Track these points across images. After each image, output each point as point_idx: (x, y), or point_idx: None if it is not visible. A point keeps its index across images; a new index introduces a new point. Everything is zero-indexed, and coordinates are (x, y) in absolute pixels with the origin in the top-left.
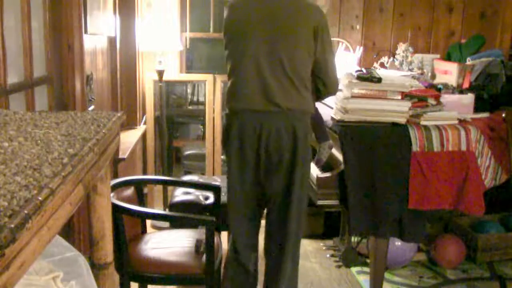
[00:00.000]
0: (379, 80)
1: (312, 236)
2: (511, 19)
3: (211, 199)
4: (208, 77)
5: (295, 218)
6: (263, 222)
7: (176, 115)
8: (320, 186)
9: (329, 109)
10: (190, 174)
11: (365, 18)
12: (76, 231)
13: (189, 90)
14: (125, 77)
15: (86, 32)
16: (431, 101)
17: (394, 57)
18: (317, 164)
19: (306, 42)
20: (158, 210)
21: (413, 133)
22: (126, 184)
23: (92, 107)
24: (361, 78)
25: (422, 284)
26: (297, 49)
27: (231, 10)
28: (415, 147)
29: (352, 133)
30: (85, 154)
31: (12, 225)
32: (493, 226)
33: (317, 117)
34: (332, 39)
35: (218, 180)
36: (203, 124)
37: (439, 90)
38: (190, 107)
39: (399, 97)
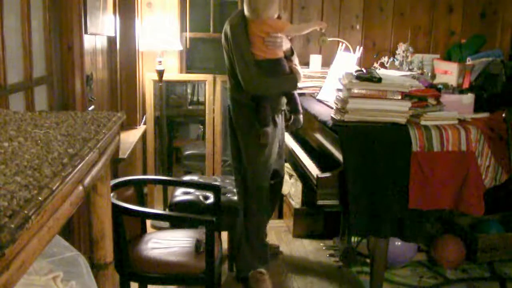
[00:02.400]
0: (379, 80)
1: (312, 236)
2: (511, 19)
3: (211, 199)
4: (208, 77)
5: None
6: None
7: (176, 115)
8: (320, 186)
9: (329, 109)
10: (190, 174)
11: (365, 18)
12: (76, 231)
13: (189, 90)
14: (125, 77)
15: (86, 32)
16: (431, 101)
17: (394, 57)
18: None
19: (225, 48)
20: (158, 210)
21: (413, 133)
22: (126, 184)
23: (92, 107)
24: (361, 78)
25: (422, 284)
26: (225, 54)
27: None
28: (415, 147)
29: (352, 133)
30: (85, 154)
31: (12, 225)
32: (493, 226)
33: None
34: (331, 39)
35: (218, 180)
36: (203, 124)
37: (439, 90)
38: (190, 107)
39: (399, 97)
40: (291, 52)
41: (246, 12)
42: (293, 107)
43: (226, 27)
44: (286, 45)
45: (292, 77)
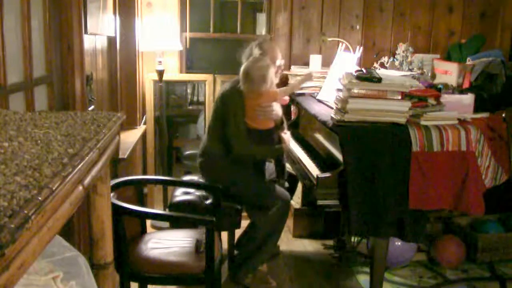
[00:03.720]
0: (379, 80)
1: (312, 236)
2: (511, 19)
3: (211, 199)
4: (208, 77)
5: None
6: None
7: (176, 115)
8: (320, 186)
9: (329, 109)
10: (190, 174)
11: (365, 18)
12: (76, 231)
13: (189, 90)
14: (125, 77)
15: (86, 32)
16: (431, 101)
17: (394, 57)
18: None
19: (217, 105)
20: (158, 210)
21: (413, 133)
22: (126, 184)
23: (92, 107)
24: (361, 78)
25: (422, 284)
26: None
27: None
28: (415, 147)
29: (352, 133)
30: (85, 154)
31: (12, 225)
32: (493, 226)
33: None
34: (331, 39)
35: None
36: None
37: (439, 90)
38: (190, 107)
39: (399, 97)
40: (282, 121)
41: (242, 86)
42: (279, 172)
43: (227, 91)
44: (278, 113)
45: (279, 148)
